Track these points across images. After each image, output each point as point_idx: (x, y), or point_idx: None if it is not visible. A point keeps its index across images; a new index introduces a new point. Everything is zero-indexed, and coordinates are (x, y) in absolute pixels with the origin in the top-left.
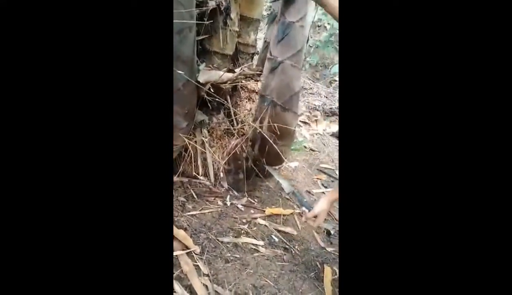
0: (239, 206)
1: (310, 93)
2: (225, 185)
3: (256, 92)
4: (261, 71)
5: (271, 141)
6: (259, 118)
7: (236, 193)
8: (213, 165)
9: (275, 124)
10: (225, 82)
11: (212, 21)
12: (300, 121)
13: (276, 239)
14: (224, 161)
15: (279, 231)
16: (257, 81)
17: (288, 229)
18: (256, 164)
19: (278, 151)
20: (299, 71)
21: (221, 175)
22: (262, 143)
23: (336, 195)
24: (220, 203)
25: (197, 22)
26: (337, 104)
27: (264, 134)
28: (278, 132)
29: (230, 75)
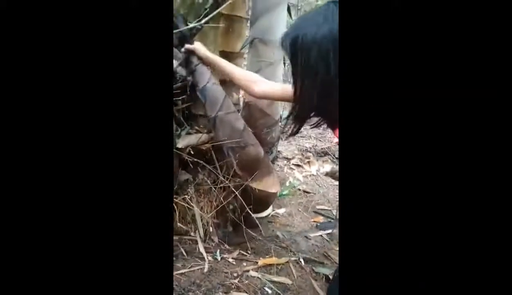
0: (230, 260)
1: (301, 137)
2: (216, 239)
3: None
4: None
5: (232, 195)
6: (232, 170)
7: (227, 247)
8: (201, 220)
9: (242, 164)
10: (207, 142)
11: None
12: (292, 164)
13: (270, 291)
14: (210, 214)
15: (272, 282)
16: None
17: (282, 279)
18: (243, 214)
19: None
20: (235, 113)
21: (211, 229)
22: (243, 192)
23: None
24: (210, 258)
25: (177, 98)
26: (328, 145)
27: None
28: (247, 171)
29: (212, 134)
